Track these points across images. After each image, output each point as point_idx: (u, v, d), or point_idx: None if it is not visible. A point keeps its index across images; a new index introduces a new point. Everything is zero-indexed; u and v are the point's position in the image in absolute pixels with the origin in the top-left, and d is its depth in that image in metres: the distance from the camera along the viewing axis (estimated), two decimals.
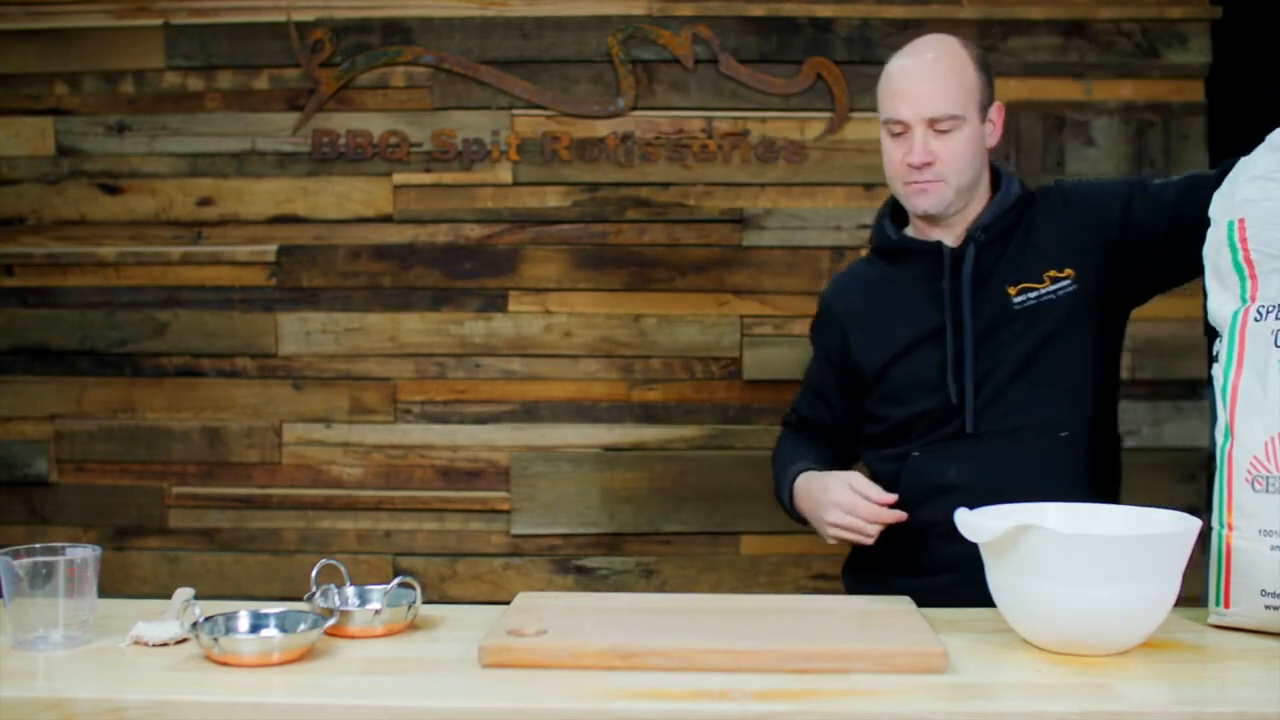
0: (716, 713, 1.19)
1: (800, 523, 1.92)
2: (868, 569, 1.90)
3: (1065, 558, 1.31)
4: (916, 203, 1.84)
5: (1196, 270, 1.70)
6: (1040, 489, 1.73)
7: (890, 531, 1.82)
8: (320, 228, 2.85)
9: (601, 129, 2.82)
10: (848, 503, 1.75)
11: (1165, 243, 1.80)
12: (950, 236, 1.89)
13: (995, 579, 1.39)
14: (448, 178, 2.84)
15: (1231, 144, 1.67)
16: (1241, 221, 1.53)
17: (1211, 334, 1.61)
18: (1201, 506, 2.43)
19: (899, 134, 1.82)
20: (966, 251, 1.86)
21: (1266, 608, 1.43)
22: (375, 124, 2.83)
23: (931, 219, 1.87)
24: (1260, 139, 1.56)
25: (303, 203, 2.85)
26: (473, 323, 2.85)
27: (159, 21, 2.85)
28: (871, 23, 2.79)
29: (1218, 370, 1.55)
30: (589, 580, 2.84)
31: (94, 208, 2.88)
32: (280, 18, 2.83)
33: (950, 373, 1.84)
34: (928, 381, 1.86)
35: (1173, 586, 1.35)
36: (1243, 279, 1.53)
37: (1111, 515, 1.51)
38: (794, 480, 1.90)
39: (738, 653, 1.30)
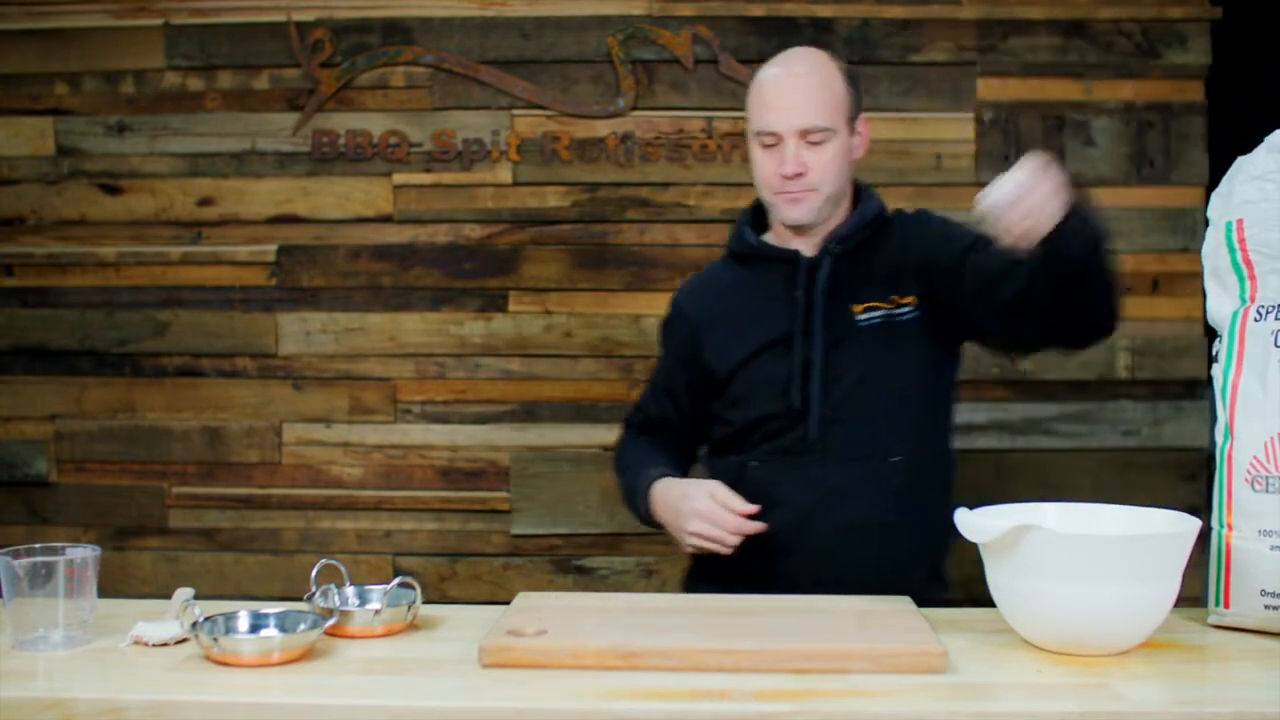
0: (716, 713, 1.19)
1: (654, 528, 1.92)
2: (708, 579, 1.89)
3: (1065, 558, 1.31)
4: (788, 213, 1.86)
5: (1008, 338, 1.85)
6: (868, 511, 1.81)
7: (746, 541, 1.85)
8: (320, 228, 2.85)
9: (601, 129, 2.82)
10: (709, 512, 1.75)
11: (975, 303, 1.81)
12: (808, 246, 1.91)
13: (995, 579, 1.40)
14: (448, 178, 2.84)
15: (1231, 144, 1.67)
16: (1240, 222, 1.53)
17: (1211, 334, 1.61)
18: (1201, 506, 2.43)
19: (770, 145, 1.84)
20: (822, 262, 1.88)
21: (1266, 608, 1.44)
22: (375, 124, 2.83)
23: (800, 229, 1.89)
24: (1260, 139, 1.56)
25: (303, 203, 2.85)
26: (473, 323, 2.85)
27: (159, 21, 2.85)
28: (871, 23, 2.79)
29: (1217, 370, 1.55)
30: (589, 580, 2.84)
31: (94, 208, 2.88)
32: (280, 18, 2.83)
33: (797, 379, 1.85)
34: (774, 386, 1.87)
35: (1173, 586, 1.35)
36: (1241, 279, 1.53)
37: (1111, 515, 1.51)
38: (650, 486, 1.89)
39: (738, 653, 1.30)
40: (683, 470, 2.01)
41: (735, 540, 1.75)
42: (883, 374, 1.86)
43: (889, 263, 1.90)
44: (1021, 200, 1.47)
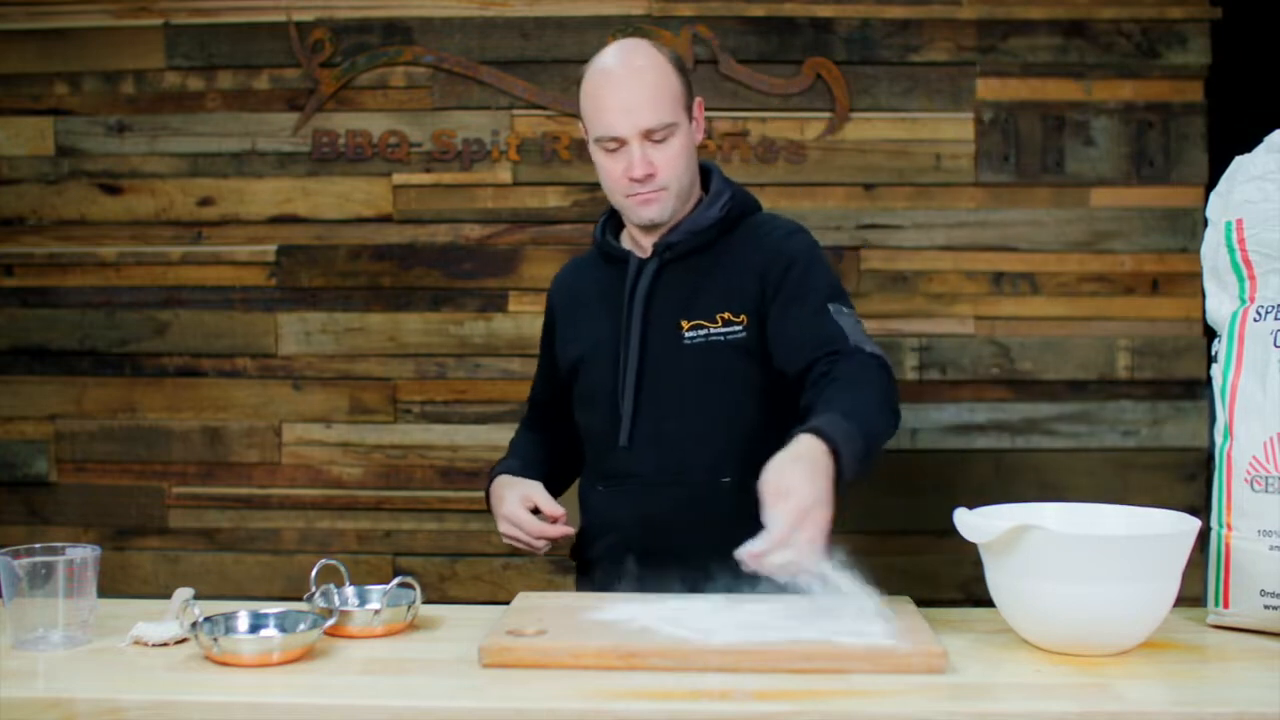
0: (716, 713, 1.19)
1: None
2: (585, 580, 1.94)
3: (1065, 558, 1.31)
4: (642, 214, 1.81)
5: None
6: (704, 534, 1.68)
7: (581, 553, 1.91)
8: (320, 228, 2.85)
9: None
10: (513, 517, 1.79)
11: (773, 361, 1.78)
12: (647, 245, 1.87)
13: (994, 579, 1.40)
14: (448, 178, 2.84)
15: (1231, 144, 1.68)
16: (1239, 222, 1.53)
17: (1211, 334, 1.61)
18: (1201, 506, 2.43)
19: (614, 149, 1.78)
20: (645, 268, 1.84)
21: (1266, 608, 1.44)
22: (375, 124, 2.84)
23: (653, 227, 1.84)
24: (1260, 139, 1.56)
25: (303, 203, 2.85)
26: (473, 323, 2.85)
27: (159, 21, 2.85)
28: (871, 23, 2.79)
29: (1217, 370, 1.55)
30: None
31: (94, 208, 2.88)
32: (280, 18, 2.83)
33: (620, 390, 1.82)
34: (601, 393, 1.85)
35: (1172, 586, 1.35)
36: (1241, 279, 1.53)
37: (1111, 515, 1.51)
38: (490, 481, 1.93)
39: (738, 653, 1.30)
40: (553, 464, 2.00)
41: (540, 545, 1.79)
42: (705, 397, 1.79)
43: (723, 277, 1.82)
44: (777, 554, 1.36)
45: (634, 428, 1.81)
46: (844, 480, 1.45)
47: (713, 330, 1.80)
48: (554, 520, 1.78)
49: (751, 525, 1.56)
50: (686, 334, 1.81)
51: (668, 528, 1.79)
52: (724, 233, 1.86)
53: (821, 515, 1.39)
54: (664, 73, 1.79)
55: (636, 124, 1.76)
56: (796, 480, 1.39)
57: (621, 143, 1.77)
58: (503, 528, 1.82)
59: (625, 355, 1.82)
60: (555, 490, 1.90)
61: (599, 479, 1.89)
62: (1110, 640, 1.34)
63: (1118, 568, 1.30)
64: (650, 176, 1.77)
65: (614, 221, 1.95)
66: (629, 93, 1.76)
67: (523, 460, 1.96)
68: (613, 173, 1.80)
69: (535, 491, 1.80)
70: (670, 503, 1.80)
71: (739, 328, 1.80)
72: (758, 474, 1.54)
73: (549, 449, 2.03)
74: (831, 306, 1.75)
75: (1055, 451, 2.80)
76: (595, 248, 1.96)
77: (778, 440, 1.60)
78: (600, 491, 1.89)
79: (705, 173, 1.92)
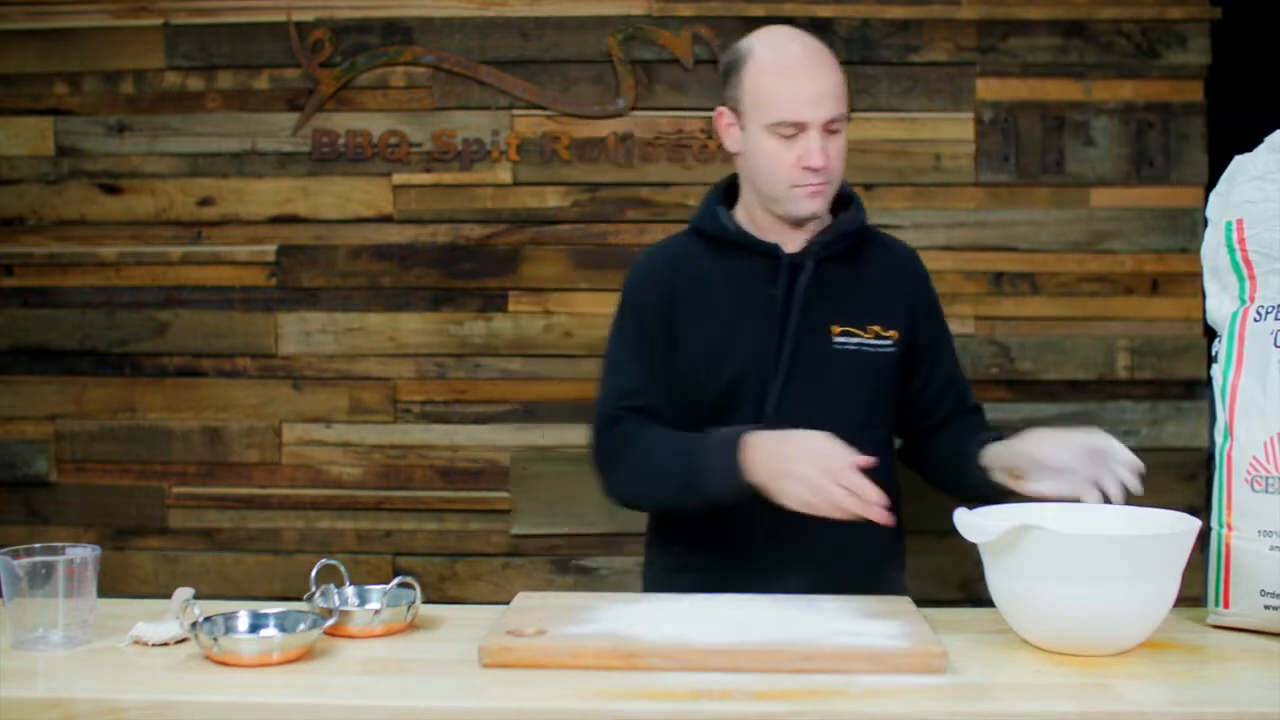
0: (716, 713, 1.19)
1: (723, 499, 1.68)
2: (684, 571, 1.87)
3: (1065, 558, 1.31)
4: (807, 206, 1.76)
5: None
6: (824, 539, 1.67)
7: (681, 553, 1.85)
8: (320, 228, 2.85)
9: (601, 129, 2.82)
10: (847, 478, 1.55)
11: (908, 385, 1.87)
12: (790, 241, 1.82)
13: (994, 579, 1.40)
14: (448, 178, 2.84)
15: (1231, 144, 1.68)
16: (1239, 222, 1.53)
17: (1211, 334, 1.61)
18: (1201, 506, 2.43)
19: (790, 136, 1.73)
20: (805, 264, 1.80)
21: (1266, 608, 1.44)
22: (375, 124, 2.83)
23: (800, 222, 1.80)
24: (1260, 139, 1.56)
25: (303, 203, 2.85)
26: (473, 323, 2.85)
27: (159, 21, 2.85)
28: (871, 23, 2.79)
29: (1217, 370, 1.55)
30: (589, 580, 2.84)
31: (94, 208, 2.88)
32: (280, 18, 2.83)
33: (768, 390, 1.78)
34: (745, 390, 1.78)
35: (1172, 587, 1.35)
36: (1241, 279, 1.54)
37: (1111, 515, 1.51)
38: (737, 440, 1.64)
39: (738, 653, 1.30)
40: None
41: (880, 515, 1.55)
42: (845, 404, 1.78)
43: (872, 287, 1.83)
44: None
45: (778, 428, 1.72)
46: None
47: (865, 341, 1.79)
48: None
49: (865, 534, 1.67)
50: (836, 339, 1.79)
51: (789, 531, 1.70)
52: (864, 241, 1.86)
53: None
54: (837, 65, 1.78)
55: (821, 113, 1.72)
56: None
57: (801, 129, 1.73)
58: (821, 481, 1.55)
59: (780, 355, 1.77)
60: None
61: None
62: (1110, 640, 1.34)
63: (1118, 568, 1.30)
64: (823, 168, 1.74)
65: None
66: (819, 80, 1.73)
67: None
68: (783, 160, 1.74)
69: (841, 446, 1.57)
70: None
71: (889, 343, 1.81)
72: (881, 487, 1.62)
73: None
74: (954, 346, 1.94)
75: None
76: (702, 235, 1.86)
77: (886, 455, 1.84)
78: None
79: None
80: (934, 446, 1.92)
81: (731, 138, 1.83)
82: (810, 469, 1.56)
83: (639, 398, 1.83)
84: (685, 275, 1.85)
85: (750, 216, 1.86)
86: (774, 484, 1.61)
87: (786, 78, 1.74)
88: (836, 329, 1.79)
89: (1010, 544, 1.34)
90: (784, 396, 1.78)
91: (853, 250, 1.84)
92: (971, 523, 1.39)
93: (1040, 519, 1.43)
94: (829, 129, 1.74)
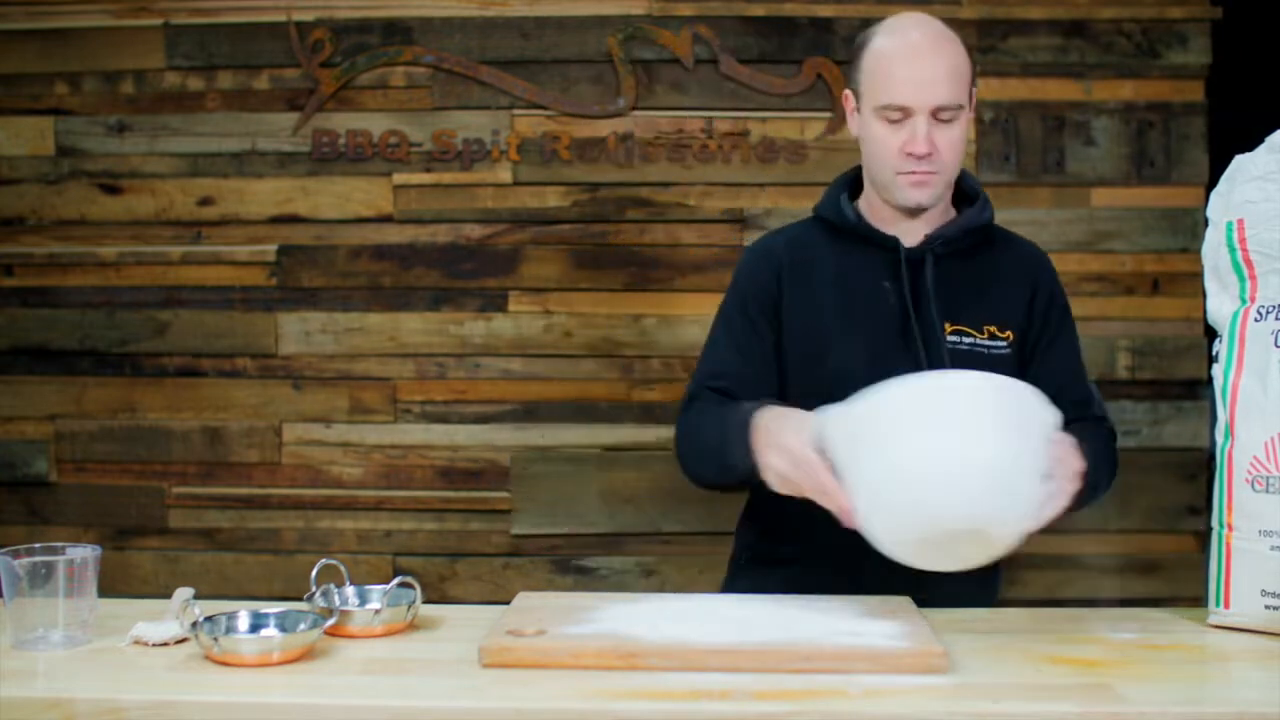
0: (716, 713, 1.19)
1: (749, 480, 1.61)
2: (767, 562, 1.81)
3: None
4: (912, 195, 1.72)
5: None
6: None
7: (765, 550, 1.79)
8: (320, 228, 2.85)
9: (601, 129, 2.82)
10: (804, 457, 1.47)
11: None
12: (908, 234, 1.78)
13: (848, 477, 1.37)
14: (448, 178, 2.84)
15: (1231, 144, 1.68)
16: (1240, 222, 1.53)
17: (1211, 334, 1.61)
18: (1202, 506, 2.43)
19: (896, 120, 1.69)
20: (926, 258, 1.75)
21: (1266, 608, 1.44)
22: (375, 124, 2.83)
23: (913, 212, 1.75)
24: (1260, 139, 1.56)
25: (303, 203, 2.85)
26: (473, 323, 2.85)
27: (159, 21, 2.85)
28: (872, 23, 2.77)
29: (1218, 370, 1.55)
30: (589, 580, 2.84)
31: (94, 208, 2.88)
32: (280, 18, 2.83)
33: (876, 384, 1.66)
34: (858, 384, 1.62)
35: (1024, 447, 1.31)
36: (1242, 279, 1.53)
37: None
38: (735, 427, 1.60)
39: (738, 653, 1.30)
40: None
41: (837, 505, 1.46)
42: None
43: (991, 286, 1.77)
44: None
45: None
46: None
47: (978, 341, 1.75)
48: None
49: None
50: (949, 337, 1.74)
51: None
52: (988, 238, 1.81)
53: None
54: (960, 52, 1.72)
55: (929, 99, 1.67)
56: None
57: (907, 114, 1.68)
58: (780, 465, 1.51)
59: (891, 353, 1.71)
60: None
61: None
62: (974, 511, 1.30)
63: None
64: (929, 156, 1.69)
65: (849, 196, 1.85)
66: (929, 65, 1.68)
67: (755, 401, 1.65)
68: (889, 145, 1.70)
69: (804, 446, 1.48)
70: None
71: (1004, 344, 1.76)
72: None
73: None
74: (1081, 356, 1.85)
75: None
76: (822, 223, 1.84)
77: None
78: None
79: (961, 183, 1.84)
80: None
81: (853, 122, 1.79)
82: (786, 453, 1.51)
83: (724, 380, 1.79)
84: (800, 260, 1.82)
85: (871, 206, 1.82)
86: (761, 462, 1.56)
87: (898, 61, 1.70)
88: (950, 327, 1.75)
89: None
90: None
91: (975, 248, 1.80)
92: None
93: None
94: (939, 117, 1.69)
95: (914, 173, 1.71)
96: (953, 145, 1.71)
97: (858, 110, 1.77)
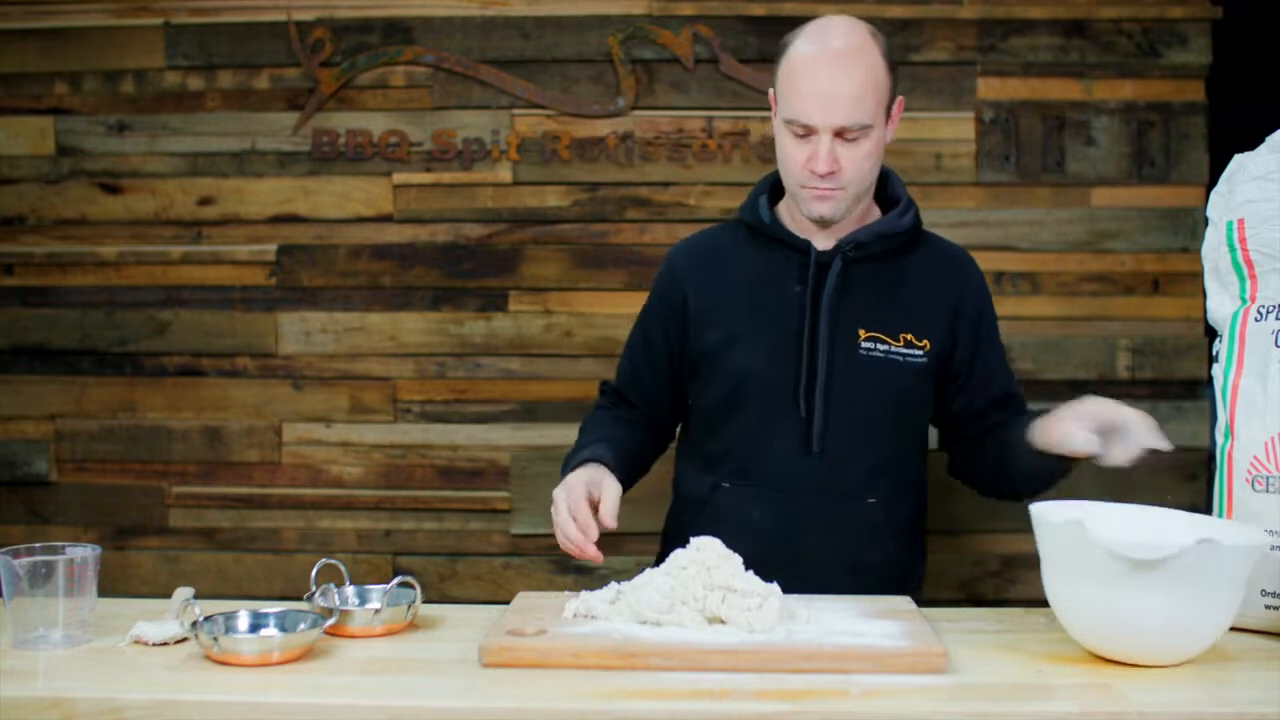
0: (716, 713, 1.19)
1: None
2: None
3: (1131, 568, 1.25)
4: (816, 208, 1.73)
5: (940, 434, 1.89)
6: (834, 551, 1.71)
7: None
8: (320, 227, 2.85)
9: (601, 129, 2.82)
10: (561, 521, 1.64)
11: (944, 397, 1.83)
12: (823, 238, 1.78)
13: (1050, 579, 1.35)
14: (448, 177, 2.84)
15: (1231, 144, 1.68)
16: (1241, 222, 1.53)
17: (1211, 334, 1.61)
18: (1202, 506, 2.42)
19: (802, 136, 1.69)
20: (834, 262, 1.75)
21: (1266, 608, 1.44)
22: (375, 124, 2.83)
23: (823, 224, 1.76)
24: (1260, 139, 1.56)
25: (303, 202, 2.85)
26: (473, 323, 2.85)
27: (159, 21, 2.85)
28: (872, 22, 2.77)
29: (1218, 370, 1.55)
30: (589, 580, 2.84)
31: (94, 207, 2.88)
32: (280, 18, 2.83)
33: (799, 393, 1.73)
34: (764, 389, 1.75)
35: (1237, 596, 1.29)
36: (1242, 279, 1.53)
37: (1175, 521, 1.44)
38: (568, 468, 1.75)
39: (738, 653, 1.30)
40: (643, 447, 1.88)
41: (591, 553, 1.63)
42: (868, 413, 1.74)
43: (911, 294, 1.77)
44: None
45: (809, 433, 1.72)
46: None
47: (893, 348, 1.74)
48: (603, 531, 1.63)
49: (879, 549, 1.74)
50: (863, 344, 1.74)
51: (801, 538, 1.71)
52: (908, 246, 1.80)
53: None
54: (874, 69, 1.68)
55: (831, 119, 1.66)
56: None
57: (811, 131, 1.67)
58: (558, 536, 1.65)
59: (808, 357, 1.72)
60: (628, 482, 1.77)
61: (733, 476, 1.79)
62: (1178, 650, 1.30)
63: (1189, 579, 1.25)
64: (832, 174, 1.68)
65: (770, 198, 1.85)
66: (832, 84, 1.65)
67: (611, 445, 1.77)
68: (795, 158, 1.70)
69: (609, 491, 1.63)
70: (815, 515, 1.73)
71: (920, 353, 1.75)
72: (897, 498, 1.72)
73: (639, 433, 1.89)
74: (1003, 346, 1.88)
75: None
76: (743, 225, 1.84)
77: (912, 467, 1.82)
78: (729, 490, 1.79)
79: (882, 175, 1.84)
80: (982, 448, 1.85)
81: (774, 122, 1.78)
82: (561, 506, 1.65)
83: (621, 380, 1.95)
84: (713, 263, 1.84)
85: (789, 210, 1.82)
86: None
87: (807, 77, 1.67)
88: (864, 334, 1.75)
89: (1070, 545, 1.29)
90: (799, 398, 1.74)
91: (894, 253, 1.79)
92: (1040, 515, 1.35)
93: (1107, 519, 1.38)
94: (844, 136, 1.67)
95: (817, 188, 1.71)
96: (858, 163, 1.69)
97: (775, 113, 1.77)
